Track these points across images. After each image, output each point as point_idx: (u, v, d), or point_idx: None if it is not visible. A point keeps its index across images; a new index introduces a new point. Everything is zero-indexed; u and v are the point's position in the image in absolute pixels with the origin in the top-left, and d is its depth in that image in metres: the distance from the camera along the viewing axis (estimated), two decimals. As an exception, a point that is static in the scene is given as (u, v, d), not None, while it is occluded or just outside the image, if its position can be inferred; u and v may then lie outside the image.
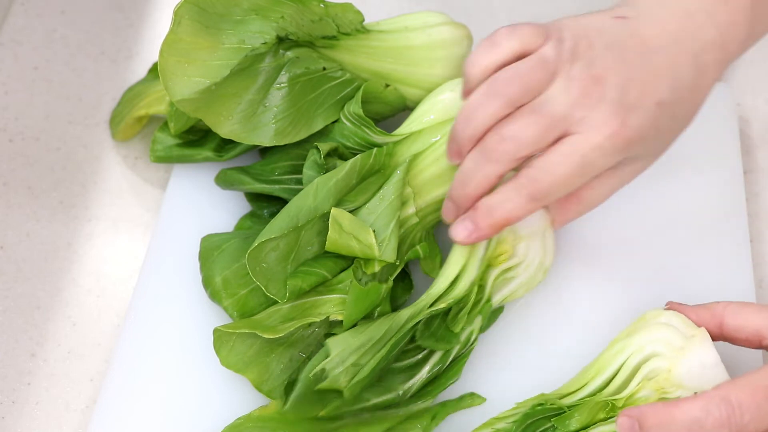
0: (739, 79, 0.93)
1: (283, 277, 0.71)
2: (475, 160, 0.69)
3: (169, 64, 0.73)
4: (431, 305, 0.71)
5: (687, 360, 0.67)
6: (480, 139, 0.69)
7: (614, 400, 0.68)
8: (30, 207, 0.85)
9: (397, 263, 0.74)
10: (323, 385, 0.68)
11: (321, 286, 0.73)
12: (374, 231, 0.73)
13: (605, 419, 0.68)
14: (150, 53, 0.93)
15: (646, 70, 0.68)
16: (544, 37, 0.69)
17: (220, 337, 0.71)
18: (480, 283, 0.73)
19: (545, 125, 0.67)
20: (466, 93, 0.70)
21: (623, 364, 0.69)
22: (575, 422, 0.68)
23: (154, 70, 0.88)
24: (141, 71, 0.91)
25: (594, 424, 0.68)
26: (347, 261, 0.74)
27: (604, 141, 0.66)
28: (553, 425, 0.68)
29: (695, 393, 0.67)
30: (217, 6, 0.74)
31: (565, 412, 0.68)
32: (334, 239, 0.72)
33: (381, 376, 0.71)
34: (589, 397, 0.69)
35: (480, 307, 0.73)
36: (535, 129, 0.67)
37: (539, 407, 0.69)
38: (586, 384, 0.70)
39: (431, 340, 0.71)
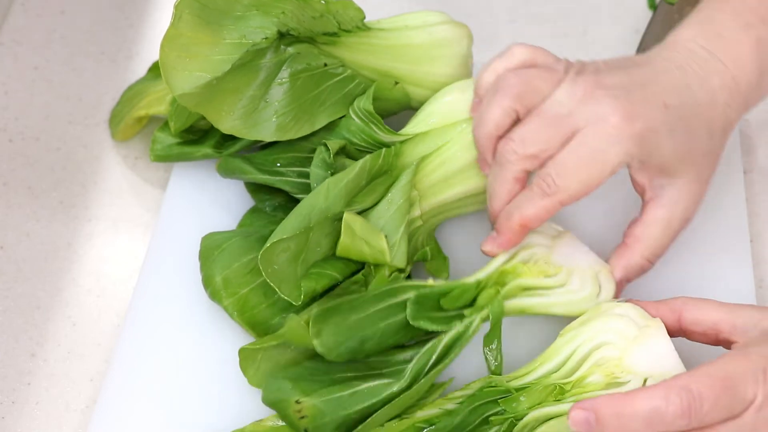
0: (739, 80, 0.93)
1: (294, 278, 0.71)
2: (493, 172, 0.72)
3: (170, 59, 0.73)
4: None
5: (639, 347, 0.67)
6: (497, 142, 0.71)
7: (563, 383, 0.68)
8: (30, 207, 0.85)
9: (407, 267, 0.74)
10: (291, 335, 0.68)
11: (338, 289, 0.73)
12: (385, 236, 0.73)
13: (554, 402, 0.67)
14: (150, 53, 0.93)
15: (652, 82, 0.70)
16: (555, 58, 0.73)
17: (246, 357, 0.69)
18: (495, 285, 0.72)
19: (550, 123, 0.69)
20: (476, 97, 0.75)
21: (574, 351, 0.69)
22: (523, 404, 0.68)
23: (153, 69, 0.88)
24: (141, 71, 0.91)
25: (541, 405, 0.67)
26: (358, 263, 0.74)
27: (610, 129, 0.68)
28: (502, 409, 0.68)
29: (645, 379, 0.66)
30: (218, 1, 0.74)
31: (512, 394, 0.68)
32: (347, 244, 0.72)
33: (371, 362, 0.70)
34: (536, 381, 0.69)
35: (489, 299, 0.71)
36: (541, 127, 0.69)
37: (486, 389, 0.69)
38: (534, 369, 0.70)
39: (425, 320, 0.70)
